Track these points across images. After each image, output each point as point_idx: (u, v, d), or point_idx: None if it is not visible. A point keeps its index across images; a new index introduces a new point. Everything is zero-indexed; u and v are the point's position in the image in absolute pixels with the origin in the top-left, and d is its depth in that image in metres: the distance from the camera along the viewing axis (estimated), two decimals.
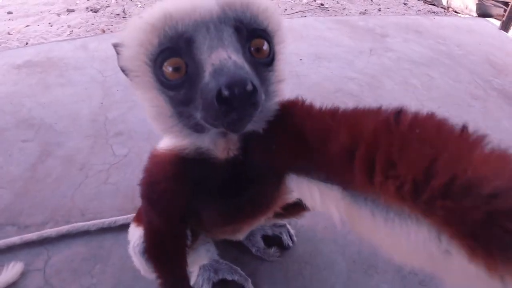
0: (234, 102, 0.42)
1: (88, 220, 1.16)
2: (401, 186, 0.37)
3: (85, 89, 1.77)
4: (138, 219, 0.86)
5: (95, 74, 1.89)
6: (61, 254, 1.10)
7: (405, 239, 0.40)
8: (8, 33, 2.72)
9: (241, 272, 1.03)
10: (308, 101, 0.56)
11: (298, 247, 1.11)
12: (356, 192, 0.45)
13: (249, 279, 1.02)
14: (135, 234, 0.83)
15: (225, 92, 0.41)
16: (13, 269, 1.03)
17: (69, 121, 1.59)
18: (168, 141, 0.64)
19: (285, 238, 1.13)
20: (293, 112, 0.55)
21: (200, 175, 0.62)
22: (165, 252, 0.78)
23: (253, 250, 1.09)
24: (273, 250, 1.10)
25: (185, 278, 0.84)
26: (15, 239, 1.11)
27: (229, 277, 1.00)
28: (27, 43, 2.50)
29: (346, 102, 1.83)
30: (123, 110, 1.63)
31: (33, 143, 1.50)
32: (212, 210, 0.71)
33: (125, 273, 1.04)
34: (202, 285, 0.98)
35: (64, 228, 1.14)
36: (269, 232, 1.14)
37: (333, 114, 0.49)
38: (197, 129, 0.53)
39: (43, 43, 2.42)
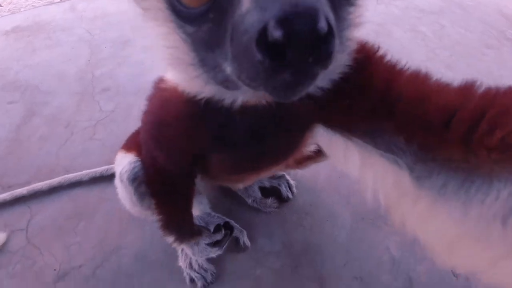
0: (291, 53, 0.24)
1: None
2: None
3: (72, 49, 1.64)
4: (127, 147, 0.74)
5: (82, 34, 1.75)
6: (45, 212, 1.01)
7: (475, 208, 0.36)
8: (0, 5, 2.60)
9: (235, 224, 0.91)
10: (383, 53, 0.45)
11: (298, 197, 1.00)
12: (435, 158, 0.39)
13: (244, 231, 0.90)
14: (123, 161, 0.70)
15: (276, 33, 0.23)
16: None
17: (55, 81, 1.47)
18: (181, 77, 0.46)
19: (284, 189, 1.01)
20: (371, 67, 0.43)
21: (222, 121, 0.49)
22: (172, 191, 0.67)
23: (249, 201, 0.97)
24: (270, 200, 0.97)
25: (190, 218, 0.75)
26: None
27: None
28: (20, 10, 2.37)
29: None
30: (111, 66, 1.50)
31: (18, 104, 1.40)
32: (225, 157, 0.61)
33: (110, 229, 0.94)
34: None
35: (55, 181, 1.05)
36: (267, 184, 1.01)
37: (425, 78, 0.42)
38: (228, 85, 0.36)
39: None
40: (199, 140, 0.54)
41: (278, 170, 0.83)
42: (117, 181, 0.72)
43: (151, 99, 0.58)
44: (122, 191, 0.71)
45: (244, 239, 0.89)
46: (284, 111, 0.46)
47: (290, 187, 1.01)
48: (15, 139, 1.23)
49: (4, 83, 1.50)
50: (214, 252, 0.82)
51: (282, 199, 1.00)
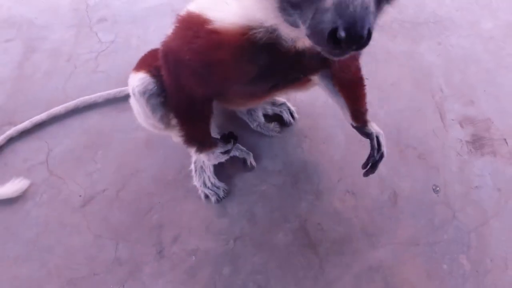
0: (344, 44, 0.41)
1: (83, 109, 1.10)
2: None
3: None
4: (137, 68, 0.79)
5: None
6: (62, 145, 1.08)
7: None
8: None
9: (242, 147, 0.99)
10: None
11: (297, 122, 1.08)
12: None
13: (250, 153, 0.99)
14: (135, 79, 0.76)
15: (341, 34, 0.39)
16: (18, 184, 1.00)
17: (49, 14, 1.44)
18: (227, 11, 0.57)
19: (286, 115, 1.09)
20: None
21: (265, 58, 0.59)
22: (195, 113, 0.76)
23: (253, 125, 1.05)
24: (273, 125, 1.05)
25: (209, 133, 0.84)
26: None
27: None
28: None
29: None
30: None
31: (16, 41, 1.38)
32: (248, 87, 0.71)
33: (127, 155, 1.03)
34: (203, 161, 0.95)
35: (71, 104, 1.11)
36: (269, 111, 1.08)
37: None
38: (294, 25, 0.49)
39: None
40: (246, 75, 0.63)
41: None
42: (131, 99, 0.79)
43: (192, 38, 0.60)
44: (136, 106, 0.79)
45: (251, 159, 0.99)
46: (307, 58, 0.61)
47: (291, 113, 1.08)
48: (20, 76, 1.25)
49: None
50: (223, 158, 0.90)
51: (283, 124, 1.08)
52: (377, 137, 0.88)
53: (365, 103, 0.89)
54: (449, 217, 1.03)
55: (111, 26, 1.34)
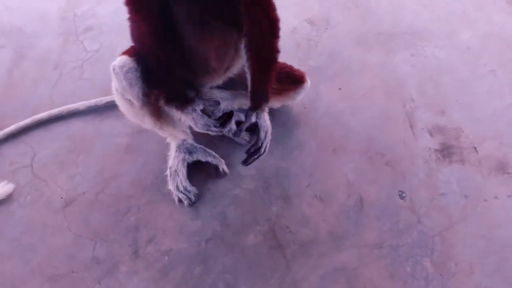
0: None
1: (67, 116, 1.17)
2: None
3: None
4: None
5: None
6: (46, 149, 1.15)
7: None
8: None
9: (215, 154, 1.06)
10: None
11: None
12: None
13: (222, 160, 1.06)
14: (116, 59, 0.88)
15: None
16: (3, 188, 1.06)
17: (38, 22, 1.51)
18: None
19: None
20: None
21: None
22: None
23: (225, 131, 1.10)
24: (244, 133, 1.11)
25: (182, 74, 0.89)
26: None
27: (203, 159, 1.04)
28: None
29: None
30: (92, 4, 1.54)
31: (6, 48, 1.46)
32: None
33: (107, 160, 1.09)
34: (177, 165, 1.02)
35: (55, 110, 1.18)
36: (242, 118, 1.13)
37: None
38: None
39: None
40: None
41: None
42: (112, 82, 0.90)
43: None
44: (115, 83, 0.88)
45: (223, 166, 1.06)
46: None
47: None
48: (9, 82, 1.32)
49: None
50: (214, 128, 0.90)
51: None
52: (260, 131, 0.95)
53: (270, 83, 0.92)
54: (413, 221, 1.10)
55: (96, 36, 1.41)
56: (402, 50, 1.50)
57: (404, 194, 1.13)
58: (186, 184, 1.03)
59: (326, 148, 1.16)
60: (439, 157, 1.24)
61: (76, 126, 1.18)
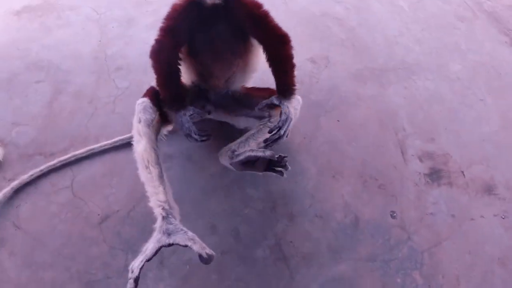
0: None
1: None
2: None
3: (82, 29, 1.88)
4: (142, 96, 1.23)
5: (89, 13, 1.98)
6: (84, 172, 1.34)
7: None
8: None
9: (197, 239, 0.99)
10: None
11: None
12: None
13: (204, 244, 0.98)
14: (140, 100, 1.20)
15: None
16: None
17: (73, 60, 1.74)
18: None
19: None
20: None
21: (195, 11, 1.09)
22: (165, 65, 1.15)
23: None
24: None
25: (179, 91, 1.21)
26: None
27: (181, 243, 0.98)
28: None
29: (330, 26, 1.90)
30: (120, 46, 1.76)
31: (45, 83, 1.67)
32: (201, 37, 1.15)
33: (137, 183, 1.27)
34: (148, 247, 1.00)
35: (93, 147, 1.38)
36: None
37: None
38: None
39: None
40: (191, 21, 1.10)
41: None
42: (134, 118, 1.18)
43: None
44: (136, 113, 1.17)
45: (206, 251, 0.96)
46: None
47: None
48: (49, 114, 1.53)
49: (27, 64, 1.76)
50: (194, 135, 1.15)
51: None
52: (282, 114, 1.15)
53: (288, 78, 1.17)
54: (404, 238, 1.26)
55: (126, 74, 1.63)
56: (395, 83, 1.69)
57: (395, 214, 1.30)
58: (138, 269, 0.96)
59: (325, 173, 1.34)
60: (428, 181, 1.40)
61: (109, 154, 1.38)
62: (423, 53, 1.87)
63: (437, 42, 1.95)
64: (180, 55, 1.16)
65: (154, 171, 1.07)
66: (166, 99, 1.18)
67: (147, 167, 1.08)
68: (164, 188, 1.06)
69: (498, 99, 1.74)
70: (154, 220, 1.15)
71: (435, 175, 1.43)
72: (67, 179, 1.33)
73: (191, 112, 1.17)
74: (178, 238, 0.98)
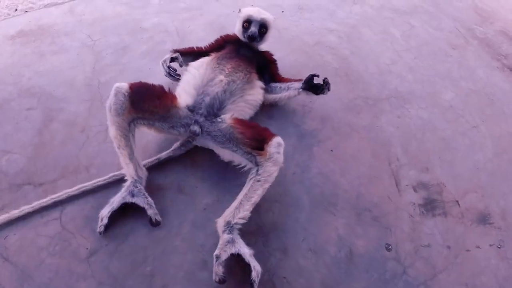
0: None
1: (93, 175, 1.38)
2: None
3: (77, 55, 1.91)
4: None
5: (84, 39, 2.01)
6: (73, 205, 1.34)
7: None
8: None
9: (153, 204, 1.30)
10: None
11: (269, 189, 1.29)
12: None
13: (157, 211, 1.29)
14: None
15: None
16: None
17: (66, 87, 1.76)
18: None
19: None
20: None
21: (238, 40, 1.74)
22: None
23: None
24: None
25: None
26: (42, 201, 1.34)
27: (140, 204, 1.28)
28: (16, 9, 2.59)
29: (323, 55, 1.95)
30: (114, 73, 1.79)
31: (36, 110, 1.68)
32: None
33: (128, 216, 1.28)
34: (115, 200, 1.29)
35: (84, 185, 1.37)
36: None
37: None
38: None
39: (32, 8, 2.50)
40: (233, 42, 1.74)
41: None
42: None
43: None
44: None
45: (156, 217, 1.28)
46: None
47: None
48: (39, 142, 1.54)
49: (20, 90, 1.77)
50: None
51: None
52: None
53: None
54: (399, 272, 1.26)
55: None
56: (388, 112, 1.72)
57: (390, 247, 1.30)
58: (106, 217, 1.25)
59: (318, 205, 1.35)
60: (422, 211, 1.42)
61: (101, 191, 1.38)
62: (415, 81, 1.91)
63: (430, 69, 2.00)
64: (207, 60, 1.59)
65: (124, 152, 1.32)
66: None
67: (118, 148, 1.33)
68: (134, 163, 1.32)
69: (491, 125, 1.78)
70: (143, 253, 1.15)
71: (429, 206, 1.44)
72: (56, 211, 1.32)
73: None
74: (139, 200, 1.29)
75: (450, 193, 1.50)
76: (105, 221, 1.25)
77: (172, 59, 1.66)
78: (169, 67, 1.63)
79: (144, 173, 1.36)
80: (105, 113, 1.61)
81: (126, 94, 1.31)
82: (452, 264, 1.31)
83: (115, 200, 1.28)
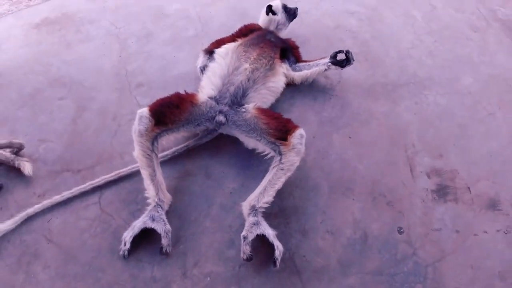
0: None
1: (127, 161, 1.56)
2: None
3: (103, 43, 2.06)
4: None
5: (109, 27, 2.15)
6: (111, 189, 1.52)
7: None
8: None
9: (170, 235, 1.35)
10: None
11: (291, 176, 1.44)
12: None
13: (170, 242, 1.35)
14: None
15: None
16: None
17: (95, 77, 1.91)
18: None
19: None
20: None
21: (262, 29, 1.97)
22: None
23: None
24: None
25: None
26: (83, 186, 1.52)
27: (158, 230, 1.35)
28: None
29: (344, 39, 2.04)
30: (140, 61, 1.93)
31: (68, 100, 1.85)
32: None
33: None
34: (137, 224, 1.37)
35: (120, 171, 1.55)
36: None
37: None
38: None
39: None
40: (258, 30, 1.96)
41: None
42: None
43: None
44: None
45: (167, 248, 1.34)
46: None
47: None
48: (74, 131, 1.71)
49: (50, 80, 1.93)
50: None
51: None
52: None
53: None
54: (409, 253, 1.40)
55: (147, 91, 1.80)
56: (407, 99, 1.83)
57: (402, 230, 1.45)
58: (128, 242, 1.34)
59: (337, 190, 1.50)
60: (435, 197, 1.55)
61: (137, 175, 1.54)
62: (435, 67, 1.99)
63: (450, 54, 2.07)
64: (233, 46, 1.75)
65: (146, 172, 1.42)
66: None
67: (141, 169, 1.43)
68: (155, 185, 1.40)
69: (508, 113, 1.85)
70: (175, 234, 1.32)
71: (442, 192, 1.57)
72: (95, 195, 1.51)
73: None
74: (158, 226, 1.35)
75: (462, 179, 1.61)
76: (128, 246, 1.35)
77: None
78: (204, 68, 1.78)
79: (167, 197, 1.44)
80: (134, 102, 1.78)
81: (148, 116, 1.44)
82: (459, 248, 1.43)
83: (136, 225, 1.37)
